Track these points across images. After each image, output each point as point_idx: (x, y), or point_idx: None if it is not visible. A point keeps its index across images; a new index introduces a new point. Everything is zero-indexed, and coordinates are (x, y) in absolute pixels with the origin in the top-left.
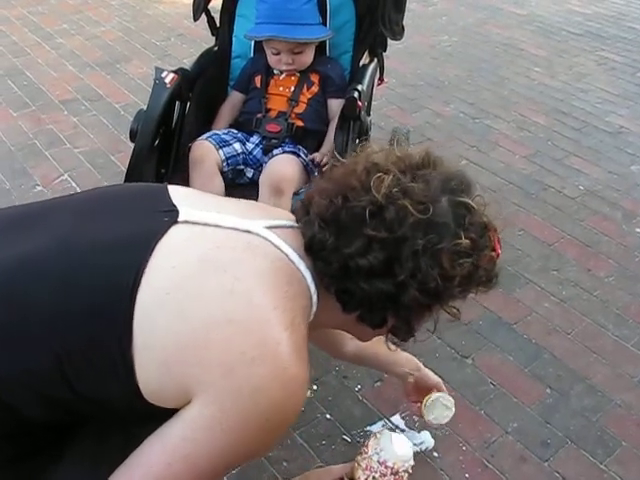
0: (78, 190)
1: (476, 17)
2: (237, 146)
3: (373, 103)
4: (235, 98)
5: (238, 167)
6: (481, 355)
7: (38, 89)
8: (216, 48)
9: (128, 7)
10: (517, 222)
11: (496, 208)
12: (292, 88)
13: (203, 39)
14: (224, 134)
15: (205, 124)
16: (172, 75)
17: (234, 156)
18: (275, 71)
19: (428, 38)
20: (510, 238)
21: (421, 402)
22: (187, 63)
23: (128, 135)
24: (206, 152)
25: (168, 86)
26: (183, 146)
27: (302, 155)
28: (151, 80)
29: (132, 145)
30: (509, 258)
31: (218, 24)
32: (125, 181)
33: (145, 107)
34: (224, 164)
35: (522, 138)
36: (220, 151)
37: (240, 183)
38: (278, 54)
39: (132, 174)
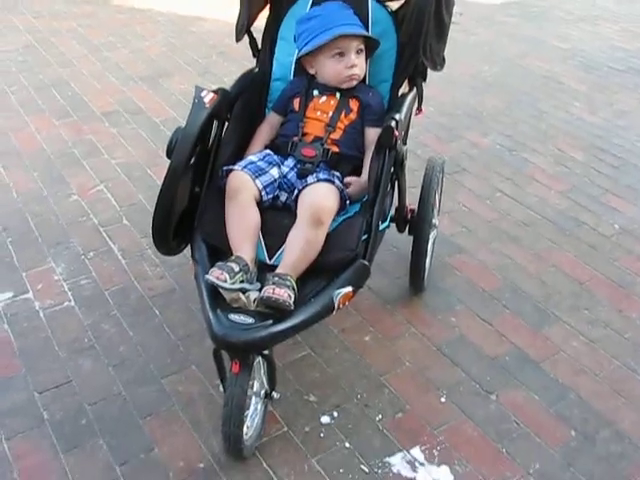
0: (113, 201)
1: (518, 49)
2: (274, 172)
3: (410, 130)
4: (273, 119)
5: (275, 193)
6: (506, 392)
7: (81, 100)
8: (257, 70)
9: (174, 23)
10: (549, 258)
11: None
12: (330, 113)
13: (244, 58)
14: (260, 160)
15: (242, 145)
16: (211, 95)
17: (271, 183)
18: (315, 92)
19: (469, 67)
20: (541, 274)
21: None
22: (227, 81)
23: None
24: (242, 183)
25: (207, 106)
26: (219, 166)
27: (337, 182)
28: (191, 96)
29: (168, 160)
30: (539, 294)
31: (260, 46)
32: (159, 197)
33: (183, 124)
34: (263, 193)
35: (558, 173)
36: (257, 181)
37: (273, 206)
38: (343, 57)
39: (166, 191)
